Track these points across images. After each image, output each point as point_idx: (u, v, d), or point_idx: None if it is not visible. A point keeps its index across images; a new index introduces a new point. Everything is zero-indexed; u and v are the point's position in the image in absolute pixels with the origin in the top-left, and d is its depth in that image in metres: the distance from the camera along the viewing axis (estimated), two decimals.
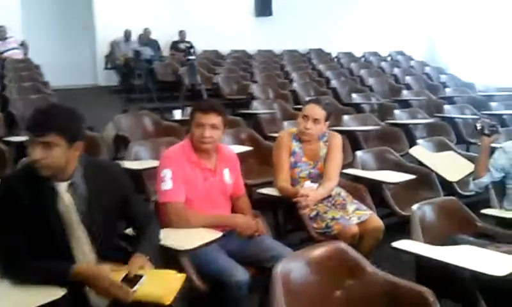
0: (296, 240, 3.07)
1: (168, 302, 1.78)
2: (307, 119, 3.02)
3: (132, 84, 9.40)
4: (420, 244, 2.21)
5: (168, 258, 2.22)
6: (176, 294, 1.84)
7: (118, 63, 9.67)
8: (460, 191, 3.71)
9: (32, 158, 1.79)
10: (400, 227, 3.18)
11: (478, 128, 2.93)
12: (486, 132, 2.89)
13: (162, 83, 8.56)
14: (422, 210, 2.45)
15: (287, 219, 3.16)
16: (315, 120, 3.00)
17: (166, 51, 10.29)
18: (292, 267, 1.83)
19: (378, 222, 2.96)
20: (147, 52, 9.34)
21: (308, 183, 2.96)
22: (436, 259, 1.98)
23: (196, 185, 2.46)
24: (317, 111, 3.00)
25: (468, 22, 11.35)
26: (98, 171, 2.00)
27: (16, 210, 1.81)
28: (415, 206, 2.44)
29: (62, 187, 1.88)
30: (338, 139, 3.13)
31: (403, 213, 3.41)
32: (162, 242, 2.16)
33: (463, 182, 3.74)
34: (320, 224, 2.92)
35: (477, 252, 2.08)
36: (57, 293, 1.73)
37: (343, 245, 2.00)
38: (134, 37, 9.80)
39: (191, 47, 6.88)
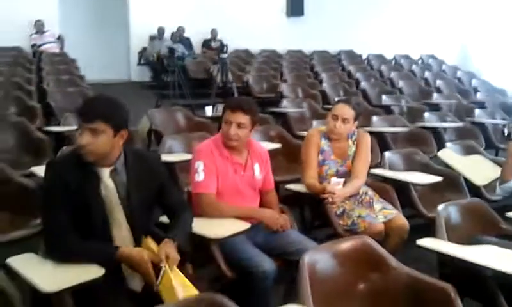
0: (321, 236, 3.14)
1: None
2: (336, 119, 3.08)
3: (164, 80, 9.68)
4: (444, 242, 2.26)
5: (197, 246, 2.34)
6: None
7: (151, 59, 9.91)
8: (487, 195, 3.71)
9: (79, 144, 1.91)
10: (426, 228, 3.22)
11: (506, 133, 2.95)
12: None
13: (193, 80, 8.72)
14: (447, 210, 2.50)
15: (314, 215, 3.24)
16: (344, 120, 3.06)
17: (198, 49, 10.47)
18: (319, 258, 1.91)
19: (404, 222, 3.01)
20: (180, 49, 9.57)
21: (334, 179, 3.00)
22: (459, 258, 2.03)
23: (227, 178, 2.57)
24: (347, 111, 3.07)
25: (501, 27, 11.15)
26: (138, 159, 2.12)
27: (63, 192, 1.91)
28: (440, 207, 2.49)
29: (105, 172, 2.00)
30: (367, 138, 3.18)
31: (429, 214, 3.45)
32: (194, 230, 2.27)
33: (491, 187, 3.75)
34: (346, 221, 2.99)
35: (500, 252, 2.13)
36: (97, 271, 1.85)
37: (368, 239, 2.08)
38: (167, 34, 10.01)
39: (224, 45, 6.97)
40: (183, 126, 4.84)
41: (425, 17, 12.04)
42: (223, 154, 2.58)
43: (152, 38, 10.07)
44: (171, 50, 6.90)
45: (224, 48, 6.75)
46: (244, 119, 2.52)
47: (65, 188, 1.92)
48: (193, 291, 1.88)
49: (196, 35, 10.42)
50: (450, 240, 2.36)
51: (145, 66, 10.21)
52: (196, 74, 8.98)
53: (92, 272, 1.85)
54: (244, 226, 2.38)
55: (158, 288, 1.89)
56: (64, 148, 3.34)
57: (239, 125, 2.52)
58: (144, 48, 10.11)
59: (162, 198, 2.19)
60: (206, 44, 10.63)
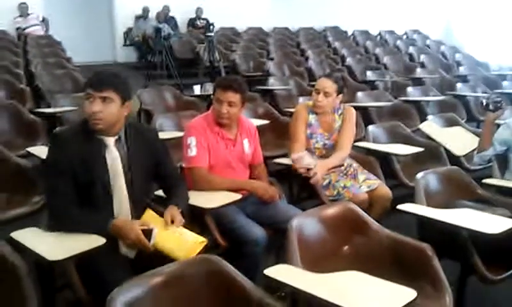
0: (309, 207, 3.27)
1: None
2: (318, 93, 3.20)
3: (151, 61, 9.68)
4: (422, 206, 2.42)
5: (193, 217, 2.46)
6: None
7: (137, 40, 9.90)
8: (467, 165, 3.87)
9: (91, 111, 2.02)
10: (409, 198, 3.39)
11: (484, 103, 3.09)
12: (491, 107, 3.05)
13: (180, 60, 8.73)
14: (426, 178, 2.65)
15: (301, 187, 3.38)
16: (326, 93, 3.18)
17: (183, 28, 10.45)
18: (306, 222, 2.06)
19: (386, 191, 3.16)
20: (165, 29, 9.54)
21: (306, 160, 3.06)
22: (436, 219, 2.18)
23: (218, 152, 2.69)
24: (328, 84, 3.18)
25: (484, 2, 11.27)
26: (138, 132, 2.23)
27: (67, 163, 2.02)
28: (419, 174, 2.64)
29: (110, 141, 2.11)
30: (352, 113, 3.31)
31: (411, 184, 3.61)
32: (189, 202, 2.40)
33: (469, 157, 3.92)
34: (332, 191, 3.14)
35: (474, 214, 2.28)
36: (98, 240, 1.96)
37: (352, 205, 2.22)
38: (152, 14, 9.97)
39: (210, 24, 7.00)
40: (172, 105, 4.92)
41: None
42: (214, 130, 2.69)
43: (137, 18, 10.04)
44: (158, 30, 6.91)
45: (211, 27, 6.77)
46: (234, 98, 2.63)
47: (70, 158, 2.02)
48: (193, 250, 1.99)
49: (181, 14, 10.40)
50: (429, 205, 2.51)
51: (131, 47, 10.21)
52: (182, 54, 8.99)
53: (93, 241, 1.96)
54: (236, 196, 2.51)
55: (154, 248, 2.00)
56: (57, 129, 3.41)
57: (230, 104, 2.63)
58: (130, 29, 10.08)
59: (160, 170, 2.30)
60: (191, 23, 10.61)
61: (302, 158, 2.99)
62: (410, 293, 1.56)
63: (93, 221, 2.05)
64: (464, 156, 3.88)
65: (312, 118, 3.29)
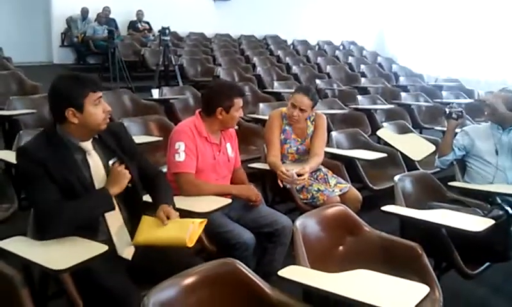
0: (282, 210, 3.36)
1: (191, 245, 1.97)
2: (295, 108, 3.28)
3: (90, 63, 9.37)
4: (405, 208, 2.57)
5: None
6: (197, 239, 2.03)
7: (75, 41, 9.55)
8: (421, 169, 4.13)
9: (108, 110, 2.02)
10: (377, 200, 3.57)
11: (447, 112, 3.34)
12: (454, 116, 3.30)
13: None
14: (402, 181, 2.81)
15: (275, 191, 3.45)
16: (302, 110, 3.28)
17: (123, 31, 10.21)
18: (307, 223, 2.12)
19: (356, 194, 3.33)
20: (105, 31, 9.29)
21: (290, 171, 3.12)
22: (421, 219, 2.33)
23: (205, 158, 2.69)
24: (305, 102, 3.27)
25: (415, 14, 12.00)
26: (108, 130, 2.14)
27: (42, 170, 1.92)
28: (396, 177, 2.79)
29: (87, 145, 2.05)
30: (323, 120, 3.43)
31: (374, 187, 3.81)
32: (179, 207, 2.37)
33: (424, 161, 4.19)
34: (306, 195, 3.25)
35: (453, 214, 2.46)
36: (101, 247, 1.91)
37: (344, 207, 2.32)
38: (91, 15, 9.68)
39: (165, 28, 6.92)
40: (130, 109, 4.81)
41: (344, 3, 12.60)
42: (202, 134, 2.69)
43: (74, 19, 9.68)
44: (111, 32, 6.71)
45: (166, 31, 6.69)
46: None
47: (46, 168, 1.93)
48: (198, 225, 2.04)
49: (121, 16, 10.16)
50: (406, 206, 2.67)
51: (68, 48, 9.83)
52: (125, 57, 8.73)
53: (95, 248, 1.90)
54: (226, 201, 2.52)
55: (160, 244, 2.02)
56: (21, 132, 3.24)
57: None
58: (68, 30, 9.70)
59: (137, 161, 2.23)
60: (132, 26, 10.39)
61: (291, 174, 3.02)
62: (423, 289, 1.66)
63: (92, 198, 2.00)
64: (419, 161, 4.12)
65: (286, 124, 3.38)
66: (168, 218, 2.07)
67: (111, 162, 2.07)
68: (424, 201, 2.81)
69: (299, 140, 3.39)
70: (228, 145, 2.85)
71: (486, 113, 3.36)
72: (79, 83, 1.98)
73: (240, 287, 1.68)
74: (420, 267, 2.16)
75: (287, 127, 3.37)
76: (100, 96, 1.99)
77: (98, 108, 1.98)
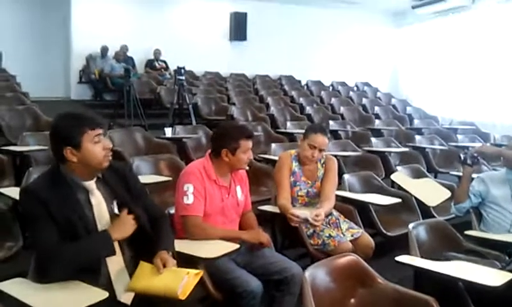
0: (292, 256, 3.27)
1: (183, 297, 1.89)
2: (314, 148, 3.23)
3: (106, 99, 9.51)
4: (419, 258, 2.47)
5: (184, 266, 2.37)
6: (196, 291, 1.97)
7: (93, 78, 9.73)
8: (436, 215, 4.02)
9: (109, 147, 1.97)
10: (389, 246, 3.47)
11: (462, 158, 3.26)
12: (469, 162, 3.22)
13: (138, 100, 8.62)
14: (417, 229, 2.71)
15: (284, 235, 3.36)
16: (321, 150, 3.24)
17: (140, 69, 10.39)
18: (317, 274, 2.03)
19: (369, 240, 3.22)
20: (122, 69, 9.48)
21: (301, 212, 3.05)
22: (439, 273, 2.22)
23: (214, 200, 2.64)
24: (326, 142, 3.26)
25: (429, 56, 12.04)
26: (111, 170, 2.12)
27: (43, 211, 1.89)
28: (411, 225, 2.70)
29: (91, 185, 2.01)
30: (334, 163, 3.37)
31: (388, 233, 3.70)
32: (184, 251, 2.31)
33: (440, 207, 4.08)
34: (317, 240, 3.15)
35: (468, 266, 2.36)
36: (102, 294, 1.85)
37: (356, 257, 2.23)
38: (110, 53, 9.88)
39: (181, 68, 7.02)
40: (142, 147, 4.82)
41: (359, 45, 12.73)
42: (211, 177, 2.65)
43: (93, 57, 9.89)
44: (127, 70, 6.83)
45: (182, 71, 6.77)
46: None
47: (48, 210, 1.90)
48: (190, 283, 1.96)
49: (138, 54, 10.36)
50: (420, 255, 2.57)
51: (85, 84, 10.02)
52: (141, 94, 8.87)
53: (95, 294, 1.84)
54: (234, 246, 2.45)
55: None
56: (30, 169, 3.24)
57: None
58: (86, 67, 9.91)
59: (142, 202, 2.19)
60: (149, 64, 10.58)
61: (299, 214, 2.96)
62: None
63: (92, 241, 1.95)
64: (434, 207, 4.01)
65: (296, 166, 3.32)
66: (164, 266, 2.00)
67: (115, 207, 2.01)
68: (439, 250, 2.71)
69: (310, 182, 3.32)
70: (238, 188, 2.80)
71: (501, 159, 3.28)
72: (77, 121, 1.96)
73: None
74: None
75: (296, 169, 3.31)
76: (100, 134, 1.95)
77: (97, 145, 1.95)
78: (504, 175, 3.22)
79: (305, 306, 1.88)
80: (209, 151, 2.78)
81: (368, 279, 2.19)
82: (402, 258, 2.38)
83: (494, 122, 9.48)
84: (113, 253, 1.99)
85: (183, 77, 6.79)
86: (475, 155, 3.21)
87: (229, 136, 2.67)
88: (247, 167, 2.73)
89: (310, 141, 3.24)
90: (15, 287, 1.91)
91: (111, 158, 1.99)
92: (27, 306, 1.79)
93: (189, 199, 2.54)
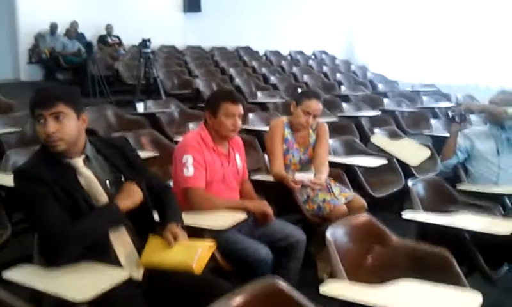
0: (291, 222, 3.25)
1: (198, 271, 1.85)
2: (308, 115, 3.18)
3: (60, 79, 9.06)
4: (424, 213, 2.50)
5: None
6: (207, 263, 1.91)
7: (44, 57, 9.23)
8: (416, 174, 4.10)
9: (47, 133, 1.79)
10: (378, 206, 3.51)
11: (450, 116, 3.33)
12: (457, 119, 3.29)
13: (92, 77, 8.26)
14: (416, 185, 2.75)
15: (278, 203, 3.33)
16: (315, 116, 3.20)
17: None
18: (337, 234, 2.02)
19: (362, 202, 3.25)
20: (76, 45, 9.07)
21: (298, 175, 3.09)
22: (447, 226, 2.27)
23: (215, 169, 2.56)
24: (320, 107, 3.22)
25: (383, 20, 12.20)
26: (108, 145, 2.04)
27: (43, 190, 1.78)
28: (410, 182, 2.74)
29: (78, 162, 1.89)
30: (326, 128, 3.35)
31: (375, 195, 3.75)
32: (192, 223, 2.23)
33: (420, 167, 4.17)
34: (312, 206, 3.14)
35: (473, 217, 2.42)
36: (121, 274, 1.76)
37: (371, 217, 2.23)
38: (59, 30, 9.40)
39: (146, 40, 6.74)
40: (114, 124, 4.62)
41: (313, 12, 12.68)
42: (209, 145, 2.57)
43: (41, 35, 9.36)
44: (89, 45, 6.48)
45: (147, 43, 6.51)
46: (242, 110, 2.56)
47: (47, 188, 1.79)
48: (207, 249, 1.92)
49: (90, 31, 9.92)
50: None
51: (36, 64, 9.49)
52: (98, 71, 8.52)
53: (115, 275, 1.75)
54: (242, 216, 2.39)
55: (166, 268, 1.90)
56: (8, 152, 3.03)
57: (239, 116, 2.56)
58: (35, 46, 9.38)
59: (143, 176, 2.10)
60: (102, 40, 10.16)
61: (302, 179, 2.95)
62: (477, 297, 1.59)
63: (100, 215, 1.86)
64: (417, 166, 4.10)
65: (288, 133, 3.28)
66: (175, 239, 1.93)
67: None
68: (437, 205, 2.76)
69: (302, 149, 3.30)
70: (237, 155, 2.74)
71: (484, 116, 3.38)
72: (32, 98, 1.84)
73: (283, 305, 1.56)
74: (452, 274, 2.08)
75: (289, 136, 3.27)
76: (40, 117, 1.80)
77: (39, 129, 1.82)
78: (488, 130, 3.32)
79: (333, 265, 1.87)
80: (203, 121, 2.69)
81: (383, 237, 2.20)
82: (407, 215, 2.41)
83: (450, 83, 9.79)
84: (124, 222, 1.91)
85: (149, 50, 6.55)
86: (463, 112, 3.29)
87: (211, 98, 2.67)
88: (234, 134, 2.63)
89: (304, 107, 3.19)
90: (24, 274, 1.78)
91: (60, 146, 1.82)
92: (40, 292, 1.68)
93: (189, 171, 2.45)
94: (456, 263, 2.10)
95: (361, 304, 1.58)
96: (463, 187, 3.12)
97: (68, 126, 1.82)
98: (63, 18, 9.37)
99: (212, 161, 2.55)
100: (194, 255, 1.86)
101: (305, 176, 2.95)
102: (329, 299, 1.66)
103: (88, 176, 1.90)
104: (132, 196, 1.93)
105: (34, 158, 1.91)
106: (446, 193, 2.92)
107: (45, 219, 1.78)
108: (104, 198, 1.92)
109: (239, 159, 2.73)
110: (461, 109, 3.32)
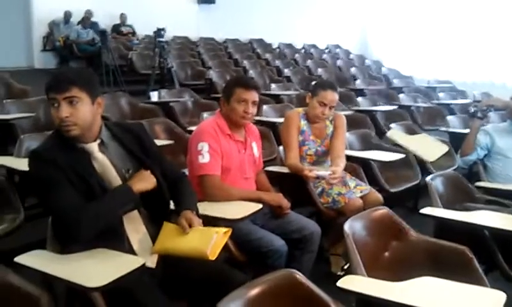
0: (304, 215, 3.21)
1: (212, 257, 1.82)
2: (324, 106, 3.12)
3: (72, 67, 9.06)
4: (443, 209, 2.45)
5: None
6: (220, 253, 1.88)
7: (58, 45, 9.25)
8: (433, 170, 4.03)
9: (60, 117, 1.77)
10: (395, 201, 3.46)
11: (472, 111, 3.25)
12: (479, 115, 3.22)
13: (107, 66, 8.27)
14: (435, 180, 2.69)
15: (293, 195, 3.29)
16: (331, 107, 3.14)
17: None
18: (355, 227, 1.98)
19: (377, 196, 3.19)
20: (90, 34, 9.06)
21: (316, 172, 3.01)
22: (467, 223, 2.21)
23: (231, 157, 2.53)
24: (336, 98, 3.16)
25: (398, 16, 12.06)
26: (124, 131, 2.02)
27: (59, 172, 1.76)
28: (428, 178, 2.68)
29: (93, 147, 1.87)
30: (343, 120, 3.29)
31: (391, 189, 3.69)
32: (206, 213, 2.20)
33: (437, 163, 4.10)
34: (326, 199, 3.09)
35: (493, 214, 2.36)
36: (137, 261, 1.73)
37: (389, 211, 2.18)
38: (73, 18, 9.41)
39: (161, 29, 6.71)
40: (127, 112, 4.61)
41: (328, 7, 12.57)
42: (225, 132, 2.54)
43: (55, 23, 9.38)
44: (103, 33, 6.47)
45: (162, 32, 6.48)
46: (257, 97, 2.53)
47: (61, 170, 1.77)
48: (222, 237, 1.88)
49: (103, 20, 9.91)
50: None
51: (49, 52, 9.51)
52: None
53: (130, 262, 1.72)
54: (257, 206, 2.35)
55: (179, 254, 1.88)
56: (22, 136, 3.02)
57: (254, 103, 2.51)
58: (50, 34, 9.40)
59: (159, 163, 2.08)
60: (116, 29, 10.14)
61: (317, 173, 2.91)
62: (500, 296, 1.53)
63: (114, 195, 1.84)
64: (432, 162, 4.03)
65: (304, 124, 3.23)
66: (190, 226, 1.91)
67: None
68: (455, 202, 2.70)
69: (318, 141, 3.24)
70: (254, 144, 2.71)
71: (505, 112, 3.30)
72: (47, 82, 1.81)
73: (302, 299, 1.53)
74: (472, 272, 2.03)
75: (305, 128, 3.22)
76: (54, 101, 1.77)
77: (53, 113, 1.80)
78: (508, 127, 3.24)
79: (350, 259, 1.83)
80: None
81: (401, 232, 2.15)
82: (426, 210, 2.36)
83: (465, 81, 9.65)
84: (137, 202, 1.89)
85: (164, 39, 6.50)
86: (485, 108, 3.21)
87: (227, 84, 2.65)
88: (246, 121, 2.58)
89: (320, 98, 3.13)
90: (37, 259, 1.76)
91: (74, 130, 1.80)
92: (54, 278, 1.66)
93: (204, 158, 2.42)
94: (476, 261, 2.05)
95: (380, 300, 1.54)
96: (482, 183, 3.06)
97: (82, 111, 1.80)
98: (77, 7, 9.37)
99: (228, 148, 2.52)
100: (208, 241, 1.84)
101: (324, 173, 2.89)
102: (342, 295, 1.62)
103: (102, 161, 1.88)
104: (145, 180, 1.91)
105: (48, 141, 1.90)
106: (464, 189, 2.85)
107: (59, 202, 1.77)
108: (118, 183, 1.90)
109: (255, 148, 2.70)
110: (483, 105, 3.24)
